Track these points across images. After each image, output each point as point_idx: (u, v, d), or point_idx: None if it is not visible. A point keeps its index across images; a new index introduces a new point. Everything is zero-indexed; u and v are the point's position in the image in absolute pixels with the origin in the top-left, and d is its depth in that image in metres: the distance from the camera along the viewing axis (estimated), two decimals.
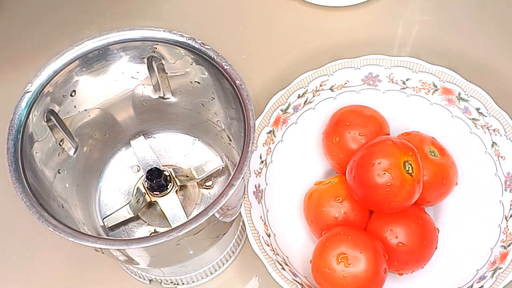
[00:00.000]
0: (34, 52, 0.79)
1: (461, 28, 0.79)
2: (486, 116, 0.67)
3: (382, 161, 0.59)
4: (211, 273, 0.66)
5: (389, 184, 0.59)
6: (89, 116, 0.61)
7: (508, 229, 0.63)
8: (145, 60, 0.58)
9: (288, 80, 0.69)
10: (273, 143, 0.68)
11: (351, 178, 0.61)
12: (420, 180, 0.60)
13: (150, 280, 0.65)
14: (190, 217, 0.61)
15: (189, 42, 0.56)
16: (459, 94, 0.68)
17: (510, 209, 0.64)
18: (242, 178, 0.50)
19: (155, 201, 0.62)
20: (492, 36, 0.78)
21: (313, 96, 0.69)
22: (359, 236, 0.59)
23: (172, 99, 0.62)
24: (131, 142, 0.65)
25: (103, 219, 0.63)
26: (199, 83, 0.59)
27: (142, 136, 0.66)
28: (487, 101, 0.67)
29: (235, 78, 0.54)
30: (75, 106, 0.59)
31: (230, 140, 0.62)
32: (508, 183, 0.65)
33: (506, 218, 0.63)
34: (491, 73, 0.75)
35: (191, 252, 0.58)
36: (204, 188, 0.65)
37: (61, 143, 0.59)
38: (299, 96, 0.69)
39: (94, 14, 0.81)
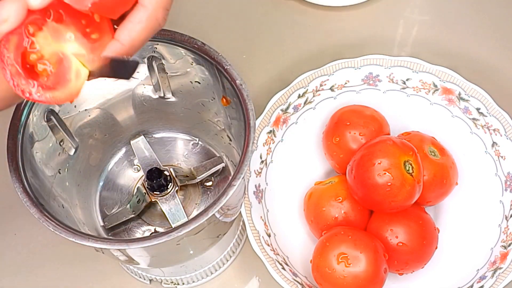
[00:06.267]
0: None
1: (461, 28, 0.79)
2: (486, 116, 0.67)
3: (382, 161, 0.59)
4: (211, 273, 0.66)
5: (389, 184, 0.59)
6: (89, 116, 0.61)
7: (508, 229, 0.63)
8: (146, 60, 0.58)
9: (288, 80, 0.69)
10: (273, 143, 0.68)
11: (351, 178, 0.61)
12: (420, 180, 0.60)
13: (150, 280, 0.65)
14: (190, 217, 0.61)
15: (190, 42, 0.56)
16: (459, 94, 0.68)
17: (510, 209, 0.64)
18: (242, 178, 0.50)
19: (155, 201, 0.62)
20: (492, 36, 0.78)
21: (313, 96, 0.69)
22: (359, 236, 0.59)
23: (173, 99, 0.62)
24: (131, 142, 0.65)
25: (104, 219, 0.63)
26: (199, 83, 0.59)
27: (142, 136, 0.66)
28: (487, 101, 0.67)
29: (235, 78, 0.54)
30: (75, 106, 0.59)
31: (231, 140, 0.62)
32: (508, 183, 0.65)
33: (506, 218, 0.63)
34: (491, 73, 0.75)
35: (191, 252, 0.58)
36: (205, 188, 0.65)
37: (61, 143, 0.59)
38: (299, 96, 0.69)
39: None
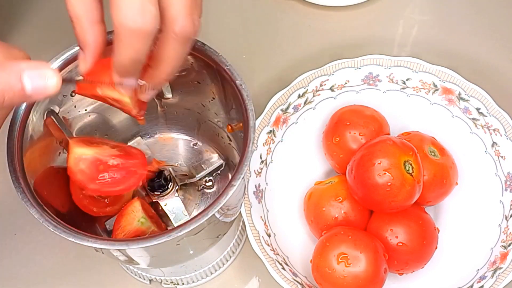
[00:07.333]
0: (34, 51, 0.79)
1: (461, 28, 0.79)
2: (486, 116, 0.67)
3: (382, 161, 0.59)
4: (211, 273, 0.66)
5: (389, 184, 0.59)
6: (89, 116, 0.61)
7: (508, 229, 0.63)
8: None
9: (288, 80, 0.69)
10: (273, 143, 0.68)
11: (351, 178, 0.61)
12: (420, 180, 0.60)
13: (150, 280, 0.65)
14: (190, 217, 0.61)
15: None
16: (459, 94, 0.68)
17: (510, 209, 0.64)
18: (242, 178, 0.50)
19: (156, 201, 0.62)
20: (492, 36, 0.78)
21: (313, 96, 0.69)
22: (359, 236, 0.59)
23: (172, 99, 0.62)
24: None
25: (105, 221, 0.63)
26: (199, 83, 0.59)
27: (139, 137, 0.66)
28: (487, 101, 0.67)
29: (235, 78, 0.54)
30: (75, 106, 0.59)
31: (230, 140, 0.62)
32: (508, 183, 0.65)
33: (506, 218, 0.63)
34: (491, 73, 0.75)
35: (191, 252, 0.58)
36: (204, 188, 0.65)
37: (61, 143, 0.59)
38: (299, 96, 0.69)
39: None
